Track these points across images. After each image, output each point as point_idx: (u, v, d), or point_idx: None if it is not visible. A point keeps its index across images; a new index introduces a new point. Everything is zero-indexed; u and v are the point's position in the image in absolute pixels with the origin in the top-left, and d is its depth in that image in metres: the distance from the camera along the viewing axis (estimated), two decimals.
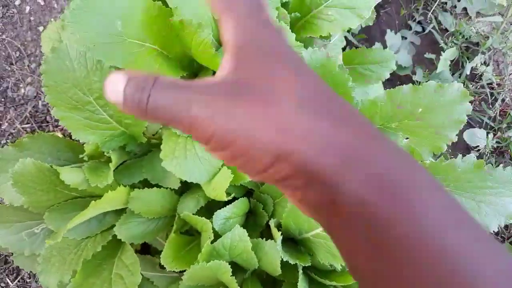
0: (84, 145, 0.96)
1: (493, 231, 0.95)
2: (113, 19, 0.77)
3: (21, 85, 1.67)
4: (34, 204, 0.98)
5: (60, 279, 0.95)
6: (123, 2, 0.77)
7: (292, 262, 0.81)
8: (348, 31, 1.47)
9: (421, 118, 0.89)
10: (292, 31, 0.93)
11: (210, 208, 0.99)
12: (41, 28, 1.71)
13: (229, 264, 0.87)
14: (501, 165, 0.95)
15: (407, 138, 0.95)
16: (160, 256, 1.15)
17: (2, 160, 1.02)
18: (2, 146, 1.63)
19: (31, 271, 1.46)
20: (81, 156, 0.97)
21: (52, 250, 1.02)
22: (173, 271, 1.21)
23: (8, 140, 1.63)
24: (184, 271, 0.89)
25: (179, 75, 0.88)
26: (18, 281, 1.44)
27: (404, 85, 0.85)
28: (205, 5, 0.86)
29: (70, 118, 0.87)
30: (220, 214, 0.86)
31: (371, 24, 0.99)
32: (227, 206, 0.88)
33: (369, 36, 1.54)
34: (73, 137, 0.90)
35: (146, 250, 1.33)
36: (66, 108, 0.86)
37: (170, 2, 0.80)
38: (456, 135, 0.91)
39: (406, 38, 1.49)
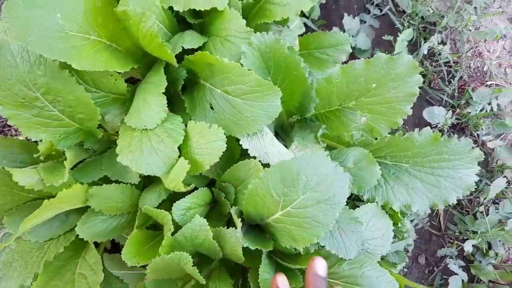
0: (38, 145, 0.93)
1: (452, 203, 0.97)
2: (53, 12, 0.74)
3: None
4: None
5: (22, 284, 0.93)
6: None
7: (252, 247, 0.81)
8: (307, 17, 1.47)
9: (376, 94, 0.90)
10: (246, 18, 0.93)
11: (173, 201, 0.98)
12: None
13: (194, 254, 0.87)
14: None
15: (364, 116, 0.96)
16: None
17: None
18: None
19: None
20: (35, 155, 0.95)
21: (14, 254, 1.00)
22: (142, 268, 1.20)
23: None
24: None
25: (130, 67, 0.86)
26: None
27: (356, 60, 0.86)
28: None
29: (18, 116, 0.84)
30: (180, 205, 0.86)
31: (323, 1, 0.99)
32: (186, 196, 0.87)
33: (328, 21, 1.54)
34: (24, 136, 0.87)
35: (116, 248, 1.31)
36: (13, 106, 0.83)
37: None
38: (411, 108, 0.92)
39: (365, 22, 1.50)
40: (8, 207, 0.98)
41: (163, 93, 0.84)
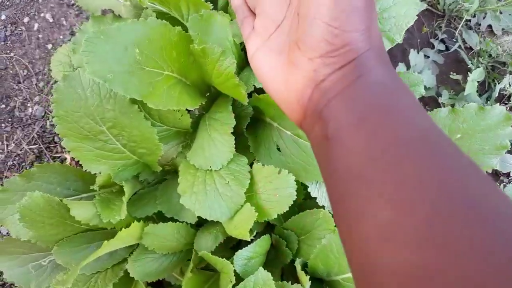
0: (96, 176, 0.90)
1: None
2: (130, 47, 0.71)
3: (28, 104, 1.62)
4: (42, 238, 0.92)
5: None
6: (140, 28, 0.71)
7: None
8: None
9: (460, 144, 0.83)
10: None
11: (230, 243, 0.93)
12: (49, 46, 1.67)
13: None
14: None
15: None
16: (178, 284, 1.09)
17: (9, 191, 0.96)
18: (9, 169, 1.58)
19: None
20: (92, 187, 0.92)
21: (60, 286, 0.96)
22: None
23: (14, 162, 1.58)
24: None
25: (199, 103, 0.82)
26: None
27: (441, 108, 0.79)
28: (227, 31, 0.81)
29: (81, 149, 0.81)
30: (242, 254, 0.80)
31: (400, 42, 0.93)
32: (248, 245, 0.82)
33: (390, 56, 1.48)
34: (84, 169, 0.84)
35: (158, 283, 1.26)
36: (77, 138, 0.80)
37: (190, 29, 0.75)
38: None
39: (428, 57, 1.43)
40: (59, 238, 0.95)
41: (231, 132, 0.80)
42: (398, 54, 1.49)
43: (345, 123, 0.28)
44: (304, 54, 0.31)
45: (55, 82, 1.64)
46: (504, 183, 1.39)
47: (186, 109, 0.85)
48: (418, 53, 1.39)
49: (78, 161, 0.87)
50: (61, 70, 1.00)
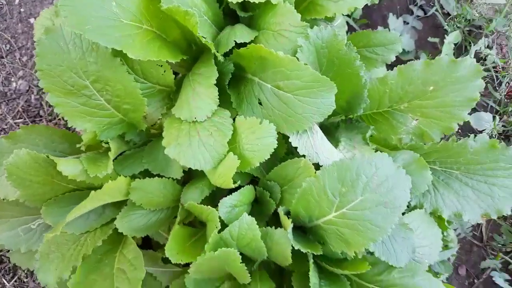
0: (82, 134, 0.92)
1: (506, 214, 0.92)
2: (108, 0, 0.72)
3: (12, 79, 1.61)
4: (30, 198, 0.94)
5: (59, 276, 0.91)
6: None
7: (303, 250, 0.78)
8: (349, 16, 1.44)
9: (432, 97, 0.86)
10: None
11: (214, 198, 0.95)
12: (32, 20, 1.66)
13: None
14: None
15: (416, 120, 0.92)
16: (164, 249, 1.11)
17: None
18: None
19: (28, 270, 1.41)
20: (78, 145, 0.93)
21: (50, 245, 0.98)
22: (176, 266, 1.17)
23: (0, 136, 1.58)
24: (188, 264, 0.85)
25: (180, 57, 0.84)
26: (15, 281, 1.40)
27: (416, 60, 0.82)
28: None
29: (65, 104, 0.83)
30: (226, 202, 0.83)
31: (376, 2, 0.95)
32: (232, 194, 0.84)
33: (370, 21, 1.50)
34: (69, 125, 0.85)
35: (147, 244, 1.29)
36: (61, 93, 0.81)
37: None
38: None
39: (408, 23, 1.46)
40: (46, 197, 0.96)
41: (214, 84, 0.82)
42: (378, 20, 1.52)
43: None
44: None
45: None
46: None
47: (168, 63, 0.86)
48: (397, 18, 1.42)
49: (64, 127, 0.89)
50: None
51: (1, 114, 1.59)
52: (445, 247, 1.07)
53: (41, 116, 1.60)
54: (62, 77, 0.80)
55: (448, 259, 1.09)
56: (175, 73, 1.06)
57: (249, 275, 0.82)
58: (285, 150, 0.95)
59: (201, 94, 0.83)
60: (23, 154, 0.86)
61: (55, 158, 0.85)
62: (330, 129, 1.05)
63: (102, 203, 0.89)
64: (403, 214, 0.95)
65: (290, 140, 0.85)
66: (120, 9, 0.75)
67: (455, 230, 1.41)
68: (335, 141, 0.97)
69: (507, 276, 1.44)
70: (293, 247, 0.79)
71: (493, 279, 1.40)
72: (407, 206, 1.01)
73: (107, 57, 0.79)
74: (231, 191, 0.87)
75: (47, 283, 0.91)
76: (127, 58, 0.85)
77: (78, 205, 0.86)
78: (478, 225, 1.52)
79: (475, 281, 1.47)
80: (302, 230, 0.91)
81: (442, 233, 1.04)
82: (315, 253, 0.80)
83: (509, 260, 1.46)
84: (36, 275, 1.39)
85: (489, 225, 1.53)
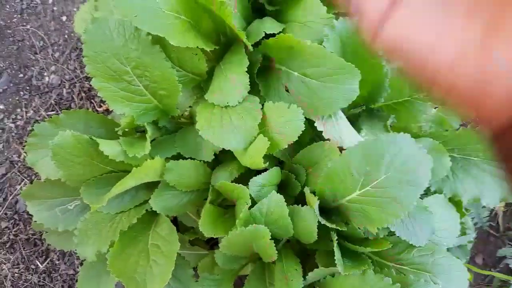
0: (121, 119, 0.98)
1: None
2: None
3: (45, 74, 1.70)
4: (71, 178, 1.01)
5: (98, 249, 0.97)
6: None
7: (329, 225, 0.83)
8: None
9: None
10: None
11: (242, 181, 1.01)
12: (64, 18, 1.75)
13: None
14: None
15: (435, 107, 0.96)
16: (191, 232, 1.17)
17: (38, 136, 1.05)
18: (29, 134, 1.66)
19: (60, 253, 1.49)
20: (116, 129, 1.00)
21: (88, 223, 1.05)
22: (202, 248, 1.23)
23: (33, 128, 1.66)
24: (215, 247, 0.90)
25: (212, 47, 0.90)
26: (48, 263, 1.47)
27: None
28: None
29: (107, 89, 0.89)
30: (256, 181, 0.88)
31: None
32: (261, 174, 0.90)
33: None
34: (110, 109, 0.92)
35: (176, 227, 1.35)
36: (104, 79, 0.88)
37: None
38: None
39: None
40: (86, 178, 1.03)
41: (245, 71, 0.88)
42: None
43: None
44: None
45: (72, 49, 1.72)
46: None
47: (202, 52, 0.92)
48: None
49: None
50: (84, 27, 1.07)
51: (34, 107, 1.68)
52: (463, 233, 1.11)
53: (72, 109, 1.68)
54: (106, 63, 0.86)
55: (466, 245, 1.12)
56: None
57: (276, 252, 0.88)
58: (310, 136, 1.00)
59: (233, 81, 0.89)
60: (67, 136, 0.93)
61: (97, 139, 0.92)
62: (351, 120, 1.10)
63: (140, 181, 0.95)
64: (422, 198, 1.00)
65: (315, 124, 0.90)
66: (162, 1, 0.82)
67: (472, 219, 1.44)
68: (357, 130, 1.02)
69: None
70: (319, 223, 0.84)
71: (510, 266, 1.42)
72: (427, 191, 1.05)
73: (147, 44, 0.85)
74: (258, 173, 0.93)
75: (86, 256, 0.98)
76: (165, 47, 0.91)
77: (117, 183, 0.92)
78: (495, 215, 1.55)
79: (492, 270, 1.50)
80: (326, 212, 0.96)
81: (460, 219, 1.08)
82: (339, 229, 0.85)
83: None
84: (67, 258, 1.47)
85: (505, 215, 1.56)
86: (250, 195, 0.87)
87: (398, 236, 0.88)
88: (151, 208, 0.99)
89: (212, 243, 1.28)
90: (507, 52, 0.21)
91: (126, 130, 1.09)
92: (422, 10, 0.24)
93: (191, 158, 0.99)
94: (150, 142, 1.07)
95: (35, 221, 1.13)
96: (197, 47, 0.85)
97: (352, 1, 0.29)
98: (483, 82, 0.22)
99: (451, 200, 1.01)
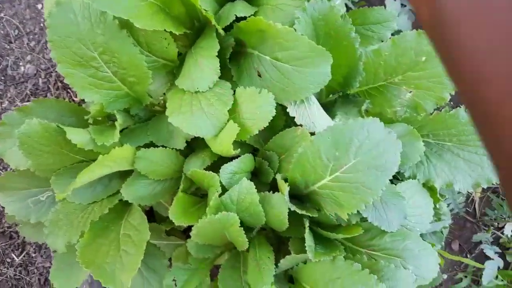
0: (90, 106, 0.96)
1: (496, 183, 0.96)
2: None
3: (20, 63, 1.66)
4: (40, 167, 0.99)
5: (68, 240, 0.95)
6: None
7: (299, 212, 0.82)
8: None
9: (425, 68, 0.90)
10: None
11: (214, 169, 1.00)
12: (39, 6, 1.70)
13: None
14: None
15: (410, 92, 0.96)
16: (167, 222, 1.16)
17: (7, 125, 1.02)
18: None
19: (36, 246, 1.46)
20: (86, 117, 0.97)
21: (59, 214, 1.03)
22: (178, 238, 1.22)
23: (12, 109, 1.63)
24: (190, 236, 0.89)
25: (183, 30, 0.88)
26: (24, 256, 1.45)
27: (408, 31, 0.86)
28: None
29: (75, 75, 0.87)
30: (227, 168, 0.87)
31: None
32: (233, 161, 0.89)
33: (369, 3, 1.54)
34: (78, 96, 0.90)
35: (150, 218, 1.33)
36: (71, 65, 0.85)
37: None
38: None
39: (405, 6, 1.50)
40: (56, 167, 1.01)
41: (215, 56, 0.86)
42: (376, 2, 1.55)
43: None
44: None
45: (46, 40, 1.68)
46: None
47: (171, 36, 0.90)
48: (395, 0, 1.46)
49: None
50: None
51: (10, 97, 1.64)
52: (438, 219, 1.11)
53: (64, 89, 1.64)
54: (72, 48, 0.84)
55: (441, 232, 1.13)
56: (179, 53, 1.10)
57: (247, 240, 0.87)
58: (283, 123, 0.99)
59: (203, 66, 0.87)
60: (34, 124, 0.90)
61: (65, 127, 0.90)
62: (327, 107, 1.09)
63: (109, 170, 0.93)
64: (395, 183, 1.00)
65: (287, 110, 0.89)
66: None
67: (448, 205, 1.45)
68: (331, 116, 1.01)
69: (498, 249, 1.48)
70: (290, 210, 0.83)
71: (484, 251, 1.44)
72: (402, 177, 1.05)
73: (114, 28, 0.83)
74: (231, 161, 0.92)
75: (56, 248, 0.96)
76: (133, 32, 0.89)
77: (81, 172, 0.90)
78: (472, 201, 1.56)
79: (468, 256, 1.51)
80: (299, 199, 0.96)
81: (435, 205, 1.08)
82: (310, 215, 0.84)
83: (500, 234, 1.50)
84: (43, 250, 1.45)
85: (482, 201, 1.57)
86: (221, 182, 0.86)
87: (370, 222, 0.88)
88: (125, 198, 0.97)
89: (189, 234, 1.27)
90: None
91: (98, 119, 1.06)
92: None
93: (163, 146, 0.98)
94: (122, 131, 1.05)
95: (7, 213, 1.10)
96: (165, 30, 0.83)
97: None
98: None
99: (425, 185, 1.01)
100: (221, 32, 0.91)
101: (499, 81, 0.23)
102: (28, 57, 1.67)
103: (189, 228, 1.25)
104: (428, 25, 0.27)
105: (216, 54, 0.86)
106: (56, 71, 1.65)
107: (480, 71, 0.23)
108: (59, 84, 1.64)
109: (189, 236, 1.28)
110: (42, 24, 1.70)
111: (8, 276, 1.42)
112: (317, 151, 0.79)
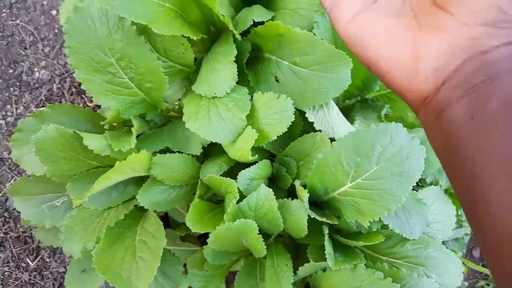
0: (106, 112, 0.96)
1: None
2: None
3: (35, 69, 1.68)
4: (56, 173, 0.98)
5: (84, 246, 0.95)
6: None
7: (319, 219, 0.80)
8: None
9: None
10: None
11: (231, 175, 0.99)
12: (54, 12, 1.72)
13: None
14: None
15: None
16: (182, 228, 1.15)
17: (23, 131, 1.02)
18: None
19: (50, 251, 1.46)
20: (102, 123, 0.97)
21: (74, 219, 1.02)
22: (194, 244, 1.21)
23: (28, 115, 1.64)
24: (206, 243, 0.88)
25: (200, 36, 0.87)
26: (38, 261, 1.45)
27: None
28: None
29: (92, 81, 0.87)
30: (245, 174, 0.86)
31: None
32: (251, 167, 0.87)
33: None
34: (95, 102, 0.90)
35: (165, 224, 1.33)
36: (88, 71, 0.85)
37: None
38: None
39: None
40: (72, 173, 1.01)
41: (233, 61, 0.85)
42: None
43: None
44: (458, 18, 0.27)
45: (62, 43, 1.69)
46: None
47: (189, 41, 0.89)
48: None
49: None
50: None
51: (25, 103, 1.65)
52: (459, 226, 1.08)
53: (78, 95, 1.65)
54: (89, 54, 0.84)
55: (463, 238, 1.10)
56: (194, 59, 1.09)
57: (265, 247, 0.85)
58: (301, 128, 0.98)
59: (220, 71, 0.86)
60: (51, 130, 0.90)
61: (81, 133, 0.90)
62: (345, 111, 1.07)
63: (125, 176, 0.93)
64: (417, 189, 0.97)
65: (306, 115, 0.88)
66: None
67: None
68: (351, 121, 0.99)
69: None
70: (309, 216, 0.82)
71: None
72: (423, 183, 1.03)
73: (132, 34, 0.83)
74: (248, 166, 0.90)
75: (72, 253, 0.95)
76: (150, 38, 0.89)
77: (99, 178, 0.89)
78: None
79: None
80: (318, 206, 0.94)
81: (457, 211, 1.06)
82: (330, 222, 0.82)
83: None
84: (58, 255, 1.45)
85: None
86: (239, 188, 0.85)
87: (391, 229, 0.86)
88: (140, 204, 0.97)
89: (204, 240, 1.26)
90: (430, 49, 0.28)
91: (114, 124, 1.06)
92: (379, 16, 0.32)
93: (179, 152, 0.97)
94: (138, 137, 1.05)
95: (23, 218, 1.11)
96: (183, 36, 0.82)
97: (325, 2, 0.35)
98: (414, 67, 0.29)
99: (447, 191, 0.98)
100: (238, 37, 0.90)
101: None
102: (43, 63, 1.68)
103: (204, 234, 1.24)
104: (441, 154, 0.29)
105: (234, 59, 0.85)
106: (70, 77, 1.66)
107: (492, 198, 0.25)
108: (74, 89, 1.64)
109: (204, 242, 1.27)
110: (56, 30, 1.71)
111: (23, 280, 1.42)
112: (338, 157, 0.77)
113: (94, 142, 0.90)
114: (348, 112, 1.05)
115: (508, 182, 0.24)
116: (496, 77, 0.25)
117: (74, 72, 0.83)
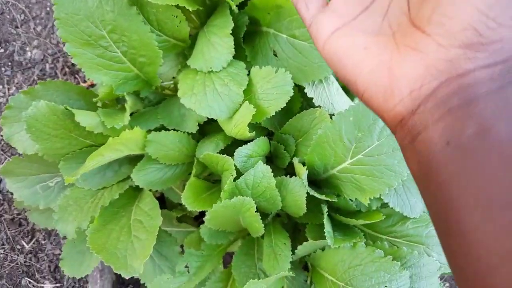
0: (99, 89, 0.93)
1: None
2: None
3: (27, 49, 1.63)
4: (48, 152, 0.96)
5: (78, 226, 0.93)
6: None
7: (319, 196, 0.78)
8: None
9: None
10: None
11: (230, 152, 0.96)
12: None
13: None
14: None
15: None
16: (179, 209, 1.13)
17: (14, 108, 0.99)
18: None
19: (45, 232, 1.45)
20: (94, 99, 0.94)
21: (68, 200, 1.00)
22: (190, 225, 1.19)
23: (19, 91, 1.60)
24: (202, 222, 0.86)
25: (196, 7, 0.83)
26: (33, 243, 1.43)
27: None
28: None
29: (82, 55, 0.83)
30: (242, 151, 0.83)
31: None
32: (248, 144, 0.85)
33: None
34: (86, 77, 0.86)
35: (162, 205, 1.31)
36: (79, 44, 0.82)
37: None
38: None
39: None
40: (64, 152, 0.98)
41: (229, 34, 0.82)
42: None
43: (503, 131, 0.23)
44: (435, 39, 0.26)
45: (53, 25, 1.65)
46: None
47: (184, 15, 0.86)
48: None
49: None
50: None
51: (17, 83, 1.61)
52: None
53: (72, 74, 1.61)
54: (80, 26, 0.80)
55: None
56: (189, 34, 1.06)
57: (262, 226, 0.84)
58: (300, 105, 0.95)
59: (216, 45, 0.83)
60: (41, 106, 0.87)
61: (73, 110, 0.87)
62: (345, 88, 1.04)
63: (119, 154, 0.90)
64: None
65: (305, 91, 0.85)
66: None
67: None
68: (350, 97, 0.96)
69: None
70: (308, 194, 0.80)
71: None
72: None
73: (123, 5, 0.79)
74: (246, 144, 0.88)
75: (66, 233, 0.94)
76: (143, 9, 0.85)
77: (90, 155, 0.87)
78: None
79: None
80: (316, 185, 0.92)
81: None
82: (330, 200, 0.80)
83: None
84: (53, 237, 1.43)
85: None
86: (236, 166, 0.82)
87: (391, 208, 0.84)
88: (135, 183, 0.94)
89: (201, 221, 1.24)
90: (407, 70, 0.28)
91: (107, 102, 1.03)
92: (357, 33, 0.31)
93: (174, 130, 0.94)
94: (132, 114, 1.02)
95: (16, 199, 1.08)
96: (178, 6, 0.79)
97: (306, 17, 0.34)
98: (390, 87, 0.28)
99: None
100: (235, 9, 0.86)
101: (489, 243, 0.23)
102: (35, 42, 1.64)
103: (201, 215, 1.22)
104: (417, 177, 0.28)
105: (230, 32, 0.82)
106: (63, 56, 1.62)
107: (467, 229, 0.24)
108: (67, 69, 1.60)
109: (201, 223, 1.25)
110: (48, 8, 1.66)
111: (19, 262, 1.40)
112: (338, 132, 0.75)
113: (87, 119, 0.87)
114: (349, 90, 1.02)
115: (483, 212, 0.23)
116: (472, 102, 0.25)
117: (67, 51, 0.80)
